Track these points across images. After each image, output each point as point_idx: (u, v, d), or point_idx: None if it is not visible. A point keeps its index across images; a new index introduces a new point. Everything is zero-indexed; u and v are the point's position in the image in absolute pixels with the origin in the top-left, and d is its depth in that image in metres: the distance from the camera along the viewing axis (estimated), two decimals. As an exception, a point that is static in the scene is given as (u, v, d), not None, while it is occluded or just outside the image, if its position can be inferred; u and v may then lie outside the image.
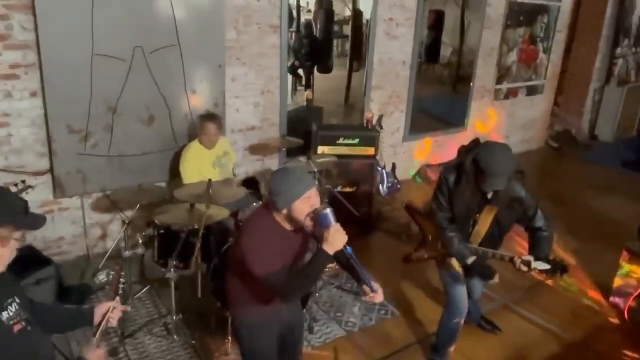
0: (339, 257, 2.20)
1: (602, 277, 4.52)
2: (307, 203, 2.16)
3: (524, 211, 3.04)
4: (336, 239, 2.09)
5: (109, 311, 1.97)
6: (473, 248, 3.13)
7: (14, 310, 1.72)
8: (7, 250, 1.65)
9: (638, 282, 4.02)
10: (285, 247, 2.27)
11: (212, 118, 4.31)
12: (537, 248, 3.01)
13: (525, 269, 2.91)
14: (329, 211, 2.12)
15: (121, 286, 2.14)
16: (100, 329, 1.92)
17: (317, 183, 2.18)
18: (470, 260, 3.11)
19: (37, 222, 1.75)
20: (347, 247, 2.13)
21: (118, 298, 2.04)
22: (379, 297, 2.33)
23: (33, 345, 1.76)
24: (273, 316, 2.46)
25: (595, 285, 4.52)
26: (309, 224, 2.22)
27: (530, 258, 2.89)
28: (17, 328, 1.70)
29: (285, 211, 2.20)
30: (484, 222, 3.10)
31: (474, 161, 2.86)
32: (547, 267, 2.93)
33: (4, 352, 1.45)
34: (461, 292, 3.33)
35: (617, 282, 4.22)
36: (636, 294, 4.00)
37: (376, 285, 2.30)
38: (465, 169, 2.96)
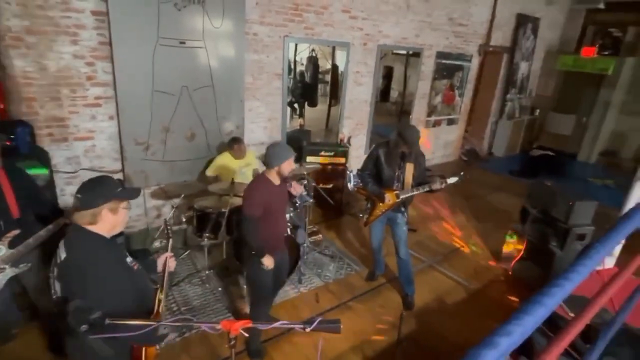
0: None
1: (494, 245, 4.59)
2: (289, 165, 2.43)
3: (421, 165, 3.26)
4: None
5: (166, 259, 1.94)
6: (403, 190, 3.24)
7: (130, 256, 1.72)
8: (119, 217, 1.60)
9: (517, 251, 4.09)
10: (271, 194, 2.46)
11: (239, 140, 4.16)
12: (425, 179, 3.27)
13: (443, 185, 3.14)
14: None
15: (169, 235, 2.10)
16: (166, 273, 1.90)
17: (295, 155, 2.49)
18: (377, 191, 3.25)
19: (133, 192, 1.70)
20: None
21: (171, 251, 2.01)
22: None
23: (143, 280, 1.73)
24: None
25: (489, 251, 4.58)
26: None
27: (443, 179, 3.13)
28: (135, 267, 1.69)
29: (276, 168, 2.42)
30: (408, 175, 3.21)
31: (399, 135, 3.08)
32: (456, 179, 3.21)
33: (132, 284, 1.53)
34: (375, 231, 3.54)
35: (504, 249, 4.29)
36: (517, 258, 4.06)
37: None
38: (392, 140, 3.16)
